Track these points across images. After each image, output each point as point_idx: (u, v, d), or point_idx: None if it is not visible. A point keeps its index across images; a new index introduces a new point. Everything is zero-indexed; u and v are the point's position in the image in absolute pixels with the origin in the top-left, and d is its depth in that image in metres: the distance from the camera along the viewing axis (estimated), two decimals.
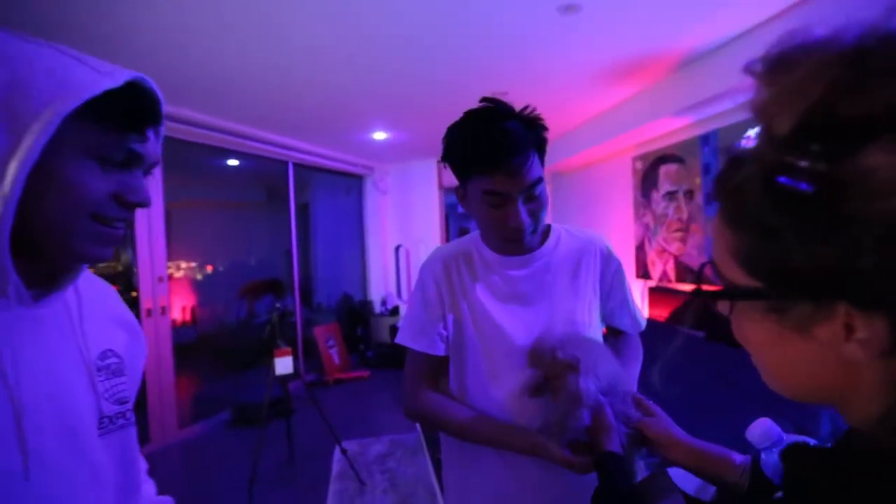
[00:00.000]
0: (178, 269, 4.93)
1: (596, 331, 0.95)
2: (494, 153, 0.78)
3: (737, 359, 2.52)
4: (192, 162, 4.38)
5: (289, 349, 2.60)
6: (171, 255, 3.75)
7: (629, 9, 2.08)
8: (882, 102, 0.26)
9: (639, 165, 3.92)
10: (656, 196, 3.72)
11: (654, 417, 0.76)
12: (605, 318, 0.99)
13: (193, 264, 5.07)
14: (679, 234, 3.48)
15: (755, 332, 0.35)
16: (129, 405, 0.57)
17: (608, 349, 0.89)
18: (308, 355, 4.70)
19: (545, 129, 0.84)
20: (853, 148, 0.26)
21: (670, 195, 3.56)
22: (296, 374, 2.63)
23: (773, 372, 0.37)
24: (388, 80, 2.87)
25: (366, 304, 5.48)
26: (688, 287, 3.37)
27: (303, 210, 5.34)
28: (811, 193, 0.27)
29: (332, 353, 4.72)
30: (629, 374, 0.96)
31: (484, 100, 0.85)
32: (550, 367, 0.79)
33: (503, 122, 0.80)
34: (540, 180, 0.82)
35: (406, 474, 2.66)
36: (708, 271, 0.38)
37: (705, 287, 0.41)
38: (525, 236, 0.85)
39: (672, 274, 3.58)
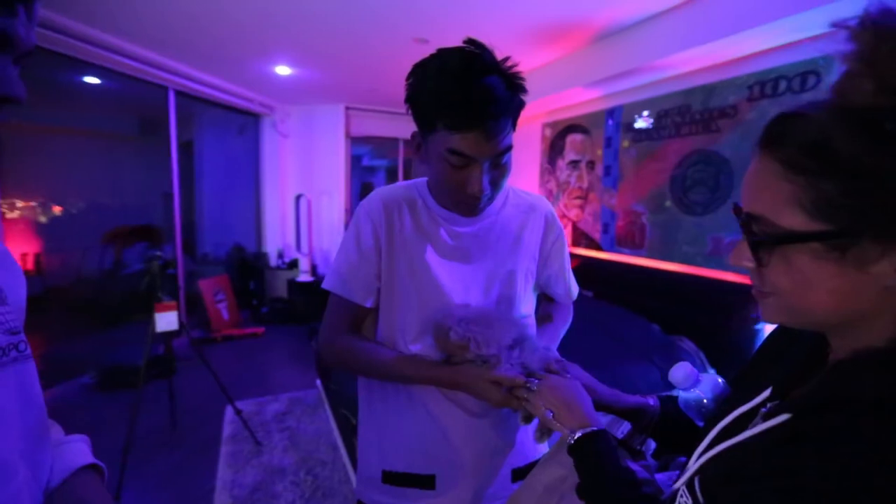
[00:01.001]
0: (13, 208, 4.05)
1: (529, 295, 0.95)
2: (471, 112, 0.69)
3: (619, 314, 2.83)
4: (36, 74, 3.52)
5: (173, 303, 2.30)
6: (3, 192, 3.03)
7: None
8: None
9: (548, 132, 4.07)
10: (561, 163, 3.92)
11: (572, 376, 0.79)
12: (540, 285, 0.98)
13: (33, 203, 4.20)
14: (578, 202, 3.72)
15: (805, 272, 0.39)
16: (22, 336, 0.50)
17: (513, 316, 0.90)
18: (191, 310, 4.25)
19: (525, 91, 0.76)
20: None
21: (574, 164, 3.77)
22: (181, 331, 2.34)
23: (807, 305, 0.41)
24: (297, 6, 2.53)
25: (260, 257, 5.08)
26: (583, 251, 3.65)
27: (186, 148, 4.66)
28: None
29: (221, 307, 4.33)
30: (552, 335, 0.98)
31: (469, 42, 0.73)
32: (449, 348, 0.79)
33: (486, 77, 0.70)
34: (510, 148, 0.76)
35: (307, 432, 2.58)
36: (752, 223, 0.42)
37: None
38: (481, 203, 0.80)
39: (569, 238, 3.85)
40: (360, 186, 8.34)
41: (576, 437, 0.60)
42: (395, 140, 5.29)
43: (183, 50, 3.35)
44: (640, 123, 3.12)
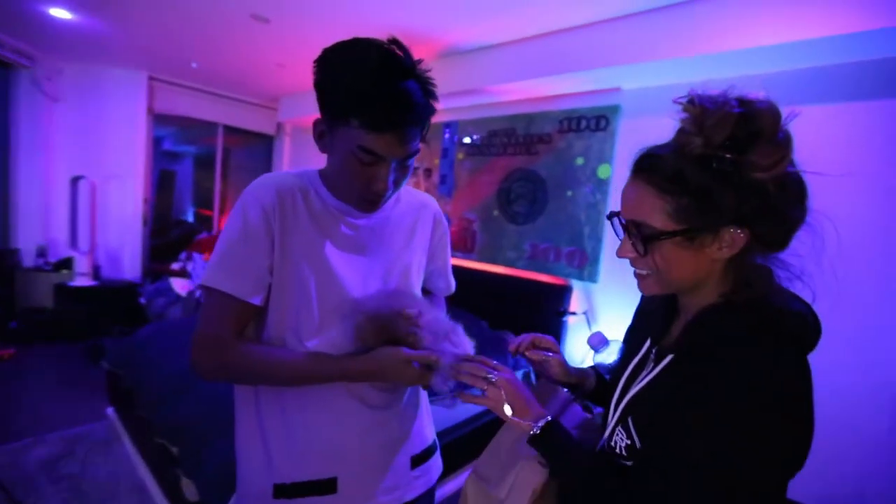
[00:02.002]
0: None
1: (419, 289, 0.99)
2: (389, 115, 0.70)
3: (454, 313, 3.05)
4: None
5: None
6: None
7: None
8: (756, 130, 0.53)
9: None
10: None
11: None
12: (423, 279, 1.02)
13: None
14: None
15: (672, 256, 0.59)
16: None
17: (414, 294, 0.95)
18: None
19: (437, 98, 0.78)
20: (746, 150, 0.53)
21: (413, 170, 3.93)
22: None
23: (674, 277, 0.61)
24: None
25: (7, 255, 3.80)
26: None
27: None
28: (731, 170, 0.54)
29: None
30: None
31: (392, 42, 0.73)
32: (377, 338, 0.79)
33: (405, 81, 0.71)
34: (418, 151, 0.78)
35: (97, 476, 2.05)
36: (631, 226, 0.62)
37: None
38: (383, 201, 0.81)
39: None
40: (158, 174, 7.02)
41: (540, 427, 0.68)
42: (213, 125, 4.63)
43: None
44: (467, 139, 3.45)
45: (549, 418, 0.68)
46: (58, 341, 3.56)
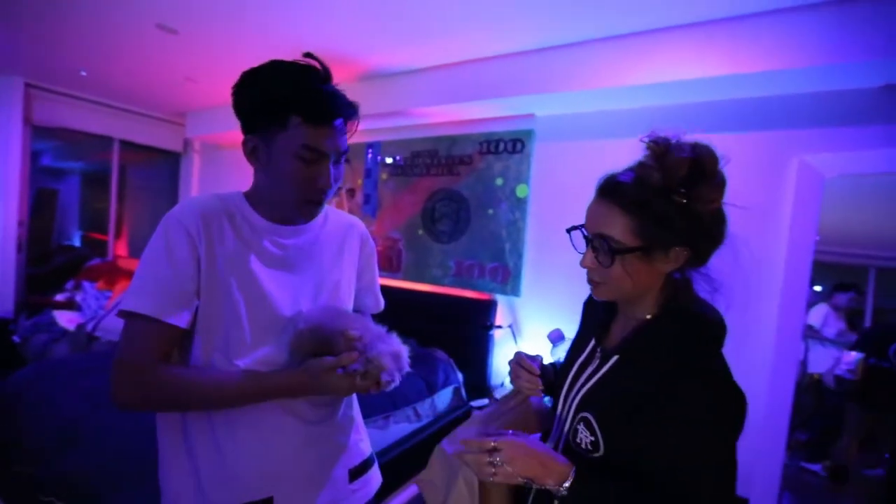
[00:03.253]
0: None
1: (351, 307, 1.01)
2: (329, 107, 0.76)
3: None
4: None
5: None
6: None
7: (318, 8, 2.19)
8: (703, 172, 0.65)
9: None
10: None
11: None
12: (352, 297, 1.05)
13: None
14: None
15: (631, 268, 0.69)
16: None
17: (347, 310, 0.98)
18: None
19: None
20: (694, 186, 0.65)
21: (336, 190, 3.86)
22: None
23: (628, 285, 0.70)
24: None
25: None
26: None
27: None
28: (685, 201, 0.66)
29: None
30: None
31: (307, 55, 0.80)
32: (329, 348, 0.80)
33: (330, 84, 0.80)
34: (347, 150, 0.84)
35: None
36: (598, 240, 0.71)
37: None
38: (325, 200, 0.84)
39: None
40: (35, 193, 6.16)
41: (567, 489, 0.63)
42: (107, 139, 4.20)
43: None
44: (389, 160, 3.50)
45: (574, 472, 0.65)
46: None
